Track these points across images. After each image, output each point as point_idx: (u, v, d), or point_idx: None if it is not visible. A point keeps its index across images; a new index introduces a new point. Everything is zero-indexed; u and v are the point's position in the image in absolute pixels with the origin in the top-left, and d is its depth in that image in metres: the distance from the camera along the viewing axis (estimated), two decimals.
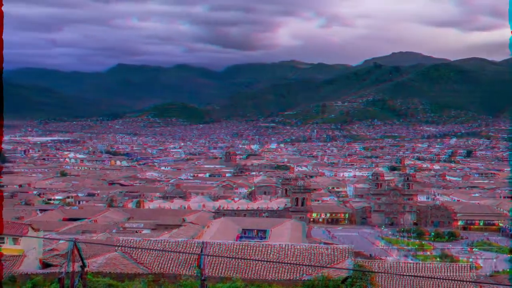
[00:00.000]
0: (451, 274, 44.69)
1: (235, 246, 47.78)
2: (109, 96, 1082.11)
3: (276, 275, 42.19)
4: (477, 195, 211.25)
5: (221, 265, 42.65)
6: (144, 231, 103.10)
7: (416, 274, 45.38)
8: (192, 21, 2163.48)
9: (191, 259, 42.16)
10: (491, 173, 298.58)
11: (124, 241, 50.77)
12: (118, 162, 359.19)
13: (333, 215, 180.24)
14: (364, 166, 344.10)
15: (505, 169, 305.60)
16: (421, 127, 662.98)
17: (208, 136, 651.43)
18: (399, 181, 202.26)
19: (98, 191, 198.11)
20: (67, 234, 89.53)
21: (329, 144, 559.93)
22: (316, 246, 49.64)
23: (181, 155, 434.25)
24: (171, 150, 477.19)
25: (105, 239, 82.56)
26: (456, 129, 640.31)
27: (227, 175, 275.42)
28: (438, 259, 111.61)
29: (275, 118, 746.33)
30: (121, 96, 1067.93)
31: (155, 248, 46.03)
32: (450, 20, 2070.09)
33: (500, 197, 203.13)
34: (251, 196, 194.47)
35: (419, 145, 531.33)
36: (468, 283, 43.24)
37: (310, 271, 41.76)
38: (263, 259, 43.69)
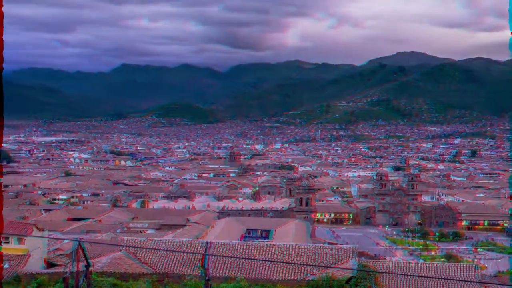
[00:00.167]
0: (456, 274, 44.61)
1: (239, 246, 47.77)
2: (113, 96, 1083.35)
3: (280, 275, 42.16)
4: (481, 195, 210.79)
5: (226, 265, 42.64)
6: (149, 231, 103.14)
7: (420, 274, 45.31)
8: (204, 22, 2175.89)
9: (196, 259, 42.16)
10: (496, 173, 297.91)
11: (128, 241, 50.81)
12: (122, 162, 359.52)
13: (337, 215, 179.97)
14: (369, 166, 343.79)
15: (510, 169, 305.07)
16: (425, 127, 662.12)
17: (213, 136, 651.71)
18: (404, 181, 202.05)
19: (103, 191, 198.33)
20: (71, 234, 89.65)
21: (333, 144, 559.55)
22: (320, 246, 49.59)
23: (185, 155, 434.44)
24: (176, 150, 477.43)
25: (110, 239, 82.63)
26: (461, 129, 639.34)
27: (231, 175, 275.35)
28: (442, 259, 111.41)
29: (279, 118, 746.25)
30: (125, 96, 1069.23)
31: (159, 248, 46.05)
32: (456, 21, 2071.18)
33: (505, 197, 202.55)
34: (255, 196, 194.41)
35: (423, 145, 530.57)
36: (472, 283, 43.14)
37: (314, 271, 41.71)
38: (267, 259, 43.67)
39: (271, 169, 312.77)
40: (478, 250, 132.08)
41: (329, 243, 74.23)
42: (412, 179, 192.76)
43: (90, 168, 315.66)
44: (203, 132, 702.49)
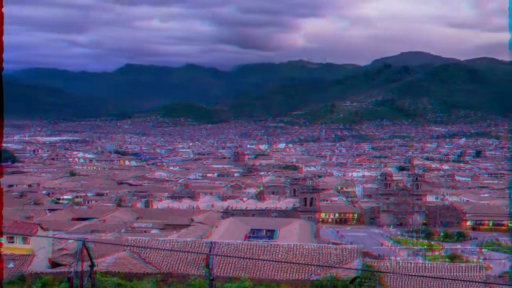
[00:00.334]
0: (461, 274, 44.53)
1: (243, 246, 47.79)
2: (118, 96, 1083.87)
3: (285, 275, 42.17)
4: (486, 195, 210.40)
5: (230, 265, 42.67)
6: (153, 231, 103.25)
7: (425, 274, 45.25)
8: (215, 22, 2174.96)
9: (200, 259, 42.21)
10: (501, 173, 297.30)
11: (132, 241, 50.89)
12: (126, 162, 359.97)
13: (342, 215, 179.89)
14: (373, 166, 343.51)
15: None
16: (430, 127, 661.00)
17: (217, 136, 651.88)
18: (408, 181, 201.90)
19: (107, 191, 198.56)
20: (76, 234, 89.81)
21: (337, 144, 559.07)
22: (324, 246, 49.61)
23: (189, 155, 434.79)
24: (180, 150, 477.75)
25: (114, 238, 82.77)
26: (465, 129, 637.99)
27: (235, 175, 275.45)
28: (447, 259, 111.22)
29: (283, 118, 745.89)
30: (130, 96, 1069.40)
31: (163, 248, 46.10)
32: (463, 22, 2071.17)
33: (510, 197, 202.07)
34: (259, 196, 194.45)
35: (428, 145, 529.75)
36: (477, 283, 43.07)
37: (318, 271, 41.72)
38: (271, 259, 43.69)
39: (275, 169, 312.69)
40: (482, 250, 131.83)
41: (333, 243, 74.19)
42: (416, 179, 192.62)
43: (94, 168, 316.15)
44: (207, 132, 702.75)
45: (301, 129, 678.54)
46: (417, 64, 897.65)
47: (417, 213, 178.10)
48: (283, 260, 43.55)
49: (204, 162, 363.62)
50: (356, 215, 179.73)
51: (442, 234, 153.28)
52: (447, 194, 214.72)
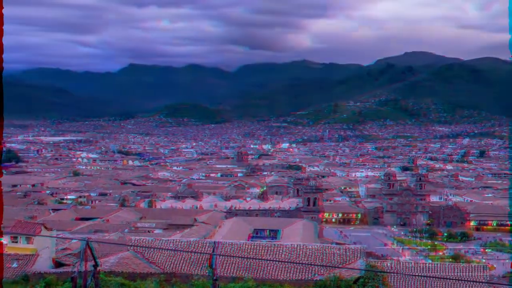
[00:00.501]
0: (464, 274, 44.47)
1: (247, 246, 47.80)
2: (121, 96, 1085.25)
3: (288, 275, 42.17)
4: (490, 195, 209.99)
5: (233, 265, 42.69)
6: (156, 231, 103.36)
7: (428, 274, 45.20)
8: (223, 23, 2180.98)
9: (203, 259, 42.22)
10: (504, 174, 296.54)
11: (136, 241, 50.94)
12: (130, 162, 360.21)
13: (345, 215, 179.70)
14: (376, 166, 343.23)
15: None
16: (433, 127, 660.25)
17: (220, 136, 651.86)
18: (412, 181, 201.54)
19: (111, 191, 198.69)
20: (79, 234, 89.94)
21: (341, 144, 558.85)
22: (328, 246, 49.58)
23: (193, 155, 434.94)
24: (183, 150, 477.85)
25: (117, 238, 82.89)
26: (469, 129, 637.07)
27: (239, 175, 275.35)
28: (450, 259, 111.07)
29: (287, 118, 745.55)
30: (133, 96, 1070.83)
31: (167, 247, 46.14)
32: (468, 23, 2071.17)
33: None
34: (263, 196, 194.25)
35: (431, 145, 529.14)
36: (481, 283, 43.00)
37: (322, 271, 41.70)
38: (274, 259, 43.68)
39: (279, 169, 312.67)
40: (486, 250, 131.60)
41: (336, 243, 74.13)
42: (420, 179, 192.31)
43: (98, 168, 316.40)
44: (210, 132, 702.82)
45: (305, 129, 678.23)
46: (421, 64, 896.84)
47: (420, 213, 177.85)
48: (286, 260, 43.55)
49: (208, 162, 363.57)
50: (359, 215, 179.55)
51: (445, 234, 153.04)
52: (450, 194, 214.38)
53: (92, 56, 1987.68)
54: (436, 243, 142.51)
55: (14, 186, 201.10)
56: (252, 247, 47.51)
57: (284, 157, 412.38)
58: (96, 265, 27.55)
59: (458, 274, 44.69)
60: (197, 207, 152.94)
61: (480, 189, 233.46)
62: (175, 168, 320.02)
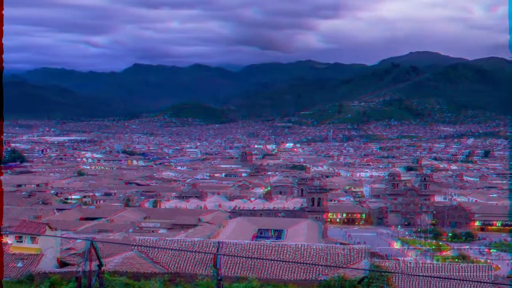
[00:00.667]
0: (469, 274, 44.40)
1: (251, 246, 47.80)
2: (126, 96, 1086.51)
3: (292, 275, 42.15)
4: (494, 195, 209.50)
5: (237, 265, 42.69)
6: (161, 231, 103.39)
7: (433, 274, 45.13)
8: (234, 24, 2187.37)
9: (207, 258, 42.22)
10: (509, 174, 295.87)
11: (140, 241, 50.99)
12: (134, 162, 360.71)
13: (349, 215, 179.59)
14: (381, 166, 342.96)
15: None
16: (438, 127, 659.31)
17: (225, 136, 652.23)
18: (416, 181, 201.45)
19: (115, 191, 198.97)
20: (84, 233, 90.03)
21: (345, 144, 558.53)
22: (332, 246, 49.54)
23: (197, 155, 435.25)
24: (188, 150, 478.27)
25: (122, 238, 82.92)
26: (474, 129, 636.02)
27: (243, 175, 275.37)
28: (455, 259, 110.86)
29: (291, 118, 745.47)
30: (137, 96, 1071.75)
31: (171, 247, 46.16)
32: (475, 24, 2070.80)
33: None
34: (267, 196, 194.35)
35: (436, 145, 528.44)
36: (486, 284, 42.91)
37: (326, 271, 41.68)
38: (279, 259, 43.67)
39: (283, 169, 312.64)
40: (491, 250, 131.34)
41: (341, 244, 74.05)
42: (424, 179, 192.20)
43: (102, 167, 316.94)
44: (215, 132, 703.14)
45: (309, 129, 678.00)
46: (426, 64, 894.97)
47: (425, 213, 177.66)
48: (290, 260, 43.53)
49: (212, 162, 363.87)
50: (364, 215, 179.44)
51: (450, 234, 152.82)
52: (455, 195, 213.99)
53: (99, 56, 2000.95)
54: (440, 243, 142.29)
55: (19, 186, 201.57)
56: (257, 247, 47.51)
57: (288, 157, 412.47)
58: (100, 265, 27.60)
59: (463, 274, 44.62)
60: (201, 207, 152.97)
61: (484, 189, 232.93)
62: (179, 168, 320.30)
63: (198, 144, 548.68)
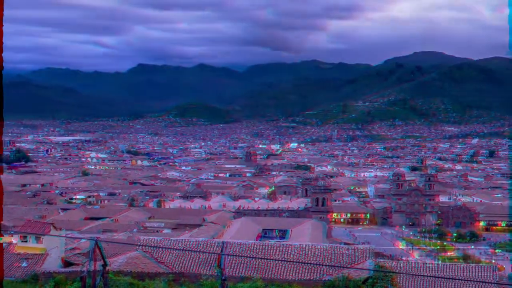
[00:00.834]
0: (473, 275, 44.31)
1: (255, 246, 47.81)
2: (130, 96, 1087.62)
3: (297, 275, 42.15)
4: (499, 195, 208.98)
5: (242, 265, 42.70)
6: (165, 231, 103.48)
7: (437, 275, 45.06)
8: (245, 25, 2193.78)
9: (212, 258, 42.24)
10: None
11: (145, 241, 51.06)
12: (139, 162, 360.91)
13: (354, 215, 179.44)
14: (385, 166, 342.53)
15: None
16: (443, 127, 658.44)
17: (229, 136, 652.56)
18: (421, 181, 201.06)
19: (119, 191, 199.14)
20: (88, 233, 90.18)
21: (349, 144, 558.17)
22: (336, 247, 49.53)
23: (201, 155, 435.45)
24: (192, 150, 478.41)
25: (126, 238, 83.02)
26: (479, 129, 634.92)
27: (247, 175, 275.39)
28: (460, 260, 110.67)
29: (296, 118, 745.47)
30: (142, 96, 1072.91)
31: (175, 247, 46.19)
32: (482, 24, 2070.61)
33: None
34: (271, 196, 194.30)
35: (440, 145, 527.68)
36: (490, 284, 42.83)
37: (330, 271, 41.66)
38: (283, 259, 43.67)
39: (287, 169, 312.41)
40: (496, 251, 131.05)
41: (345, 244, 74.01)
42: (429, 179, 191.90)
43: (107, 167, 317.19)
44: (219, 132, 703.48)
45: (313, 129, 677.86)
46: (430, 64, 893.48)
47: (429, 213, 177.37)
48: (295, 260, 43.53)
49: (216, 162, 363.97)
50: (368, 215, 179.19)
51: (455, 234, 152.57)
52: (460, 195, 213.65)
53: (104, 56, 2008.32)
54: (445, 243, 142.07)
55: (24, 185, 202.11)
56: (261, 247, 47.52)
57: (292, 157, 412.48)
58: (105, 265, 27.62)
59: (467, 274, 44.53)
60: (205, 207, 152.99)
61: (489, 189, 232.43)
62: (183, 168, 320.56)
63: (203, 144, 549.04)
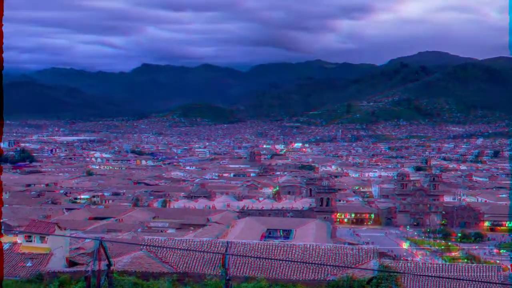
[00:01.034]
0: (478, 275, 44.24)
1: (259, 246, 47.82)
2: (134, 96, 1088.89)
3: (301, 275, 42.13)
4: (504, 195, 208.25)
5: (246, 264, 42.70)
6: (169, 231, 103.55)
7: (442, 275, 45.00)
8: (255, 26, 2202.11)
9: (216, 258, 42.26)
10: None
11: (149, 240, 51.13)
12: (143, 162, 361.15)
13: (358, 215, 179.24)
14: (390, 166, 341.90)
15: None
16: (447, 127, 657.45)
17: (233, 136, 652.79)
18: (425, 181, 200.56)
19: (124, 191, 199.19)
20: (93, 233, 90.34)
21: (354, 144, 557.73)
22: (341, 247, 49.51)
23: (206, 154, 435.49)
24: (196, 149, 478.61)
25: (131, 238, 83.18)
26: (483, 129, 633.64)
27: (251, 175, 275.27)
28: (464, 260, 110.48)
29: (300, 118, 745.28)
30: (146, 96, 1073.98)
31: (180, 247, 46.23)
32: (488, 25, 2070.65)
33: None
34: (275, 196, 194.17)
35: (445, 145, 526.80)
36: (495, 284, 42.75)
37: (335, 271, 41.64)
38: (287, 259, 43.66)
39: (292, 169, 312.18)
40: (500, 251, 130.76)
41: (349, 244, 73.96)
42: (433, 179, 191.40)
43: (111, 167, 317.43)
44: (223, 132, 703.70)
45: (318, 129, 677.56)
46: (435, 64, 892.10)
47: (434, 213, 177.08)
48: (299, 260, 43.52)
49: (220, 162, 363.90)
50: (372, 216, 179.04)
51: (459, 234, 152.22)
52: (464, 195, 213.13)
53: (110, 56, 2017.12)
54: (449, 243, 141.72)
55: (28, 185, 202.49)
56: (265, 247, 47.52)
57: (297, 157, 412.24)
58: (109, 265, 27.65)
59: (472, 274, 44.46)
60: (210, 207, 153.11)
61: (494, 189, 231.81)
62: (188, 168, 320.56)
63: (207, 144, 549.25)
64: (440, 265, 52.29)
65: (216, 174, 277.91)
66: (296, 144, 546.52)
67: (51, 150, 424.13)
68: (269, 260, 43.07)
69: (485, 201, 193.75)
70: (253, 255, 44.39)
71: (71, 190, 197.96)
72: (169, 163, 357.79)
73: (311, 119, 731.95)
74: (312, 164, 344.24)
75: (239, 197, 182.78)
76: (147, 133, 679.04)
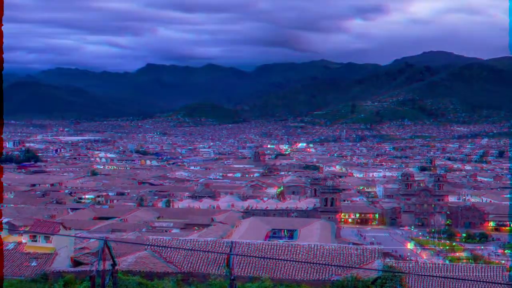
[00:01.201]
0: (483, 275, 44.18)
1: (264, 246, 47.83)
2: (139, 96, 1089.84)
3: (305, 275, 42.14)
4: (509, 196, 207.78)
5: (250, 264, 42.73)
6: (174, 231, 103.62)
7: (447, 275, 44.94)
8: (264, 27, 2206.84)
9: (220, 258, 42.29)
10: None
11: (153, 240, 51.20)
12: (148, 162, 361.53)
13: (363, 215, 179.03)
14: (394, 166, 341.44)
15: None
16: (452, 127, 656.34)
17: (238, 136, 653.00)
18: (430, 181, 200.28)
19: (128, 190, 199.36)
20: (97, 233, 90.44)
21: (358, 144, 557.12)
22: (345, 247, 49.48)
23: (210, 154, 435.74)
24: (201, 149, 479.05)
25: (135, 238, 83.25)
26: (488, 129, 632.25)
27: (256, 175, 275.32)
28: (469, 260, 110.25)
29: (304, 118, 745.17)
30: (151, 96, 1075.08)
31: (184, 247, 46.28)
32: (494, 25, 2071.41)
33: None
34: (280, 196, 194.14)
35: (450, 145, 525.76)
36: (500, 285, 42.68)
37: (339, 271, 41.64)
38: (292, 259, 43.68)
39: (296, 169, 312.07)
40: (505, 251, 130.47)
41: (354, 244, 73.93)
42: (438, 179, 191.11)
43: (116, 167, 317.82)
44: (228, 132, 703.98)
45: (322, 129, 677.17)
46: (439, 64, 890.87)
47: (438, 213, 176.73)
48: (303, 260, 43.53)
49: (225, 162, 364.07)
50: (377, 216, 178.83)
51: (464, 235, 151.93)
52: (469, 195, 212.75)
53: (115, 56, 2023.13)
54: (454, 244, 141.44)
55: (33, 185, 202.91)
56: (270, 247, 47.54)
57: (301, 157, 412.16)
58: (114, 264, 27.70)
59: (477, 274, 44.40)
60: (214, 207, 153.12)
61: (499, 189, 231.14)
62: (192, 168, 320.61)
63: (211, 144, 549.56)
64: (445, 265, 52.24)
65: (221, 174, 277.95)
66: (300, 144, 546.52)
67: (56, 150, 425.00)
68: (274, 260, 43.09)
69: (490, 201, 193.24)
70: (257, 255, 44.41)
71: (76, 190, 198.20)
72: (173, 163, 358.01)
73: (316, 119, 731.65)
74: (317, 164, 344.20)
75: (243, 197, 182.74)
76: (151, 133, 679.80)
